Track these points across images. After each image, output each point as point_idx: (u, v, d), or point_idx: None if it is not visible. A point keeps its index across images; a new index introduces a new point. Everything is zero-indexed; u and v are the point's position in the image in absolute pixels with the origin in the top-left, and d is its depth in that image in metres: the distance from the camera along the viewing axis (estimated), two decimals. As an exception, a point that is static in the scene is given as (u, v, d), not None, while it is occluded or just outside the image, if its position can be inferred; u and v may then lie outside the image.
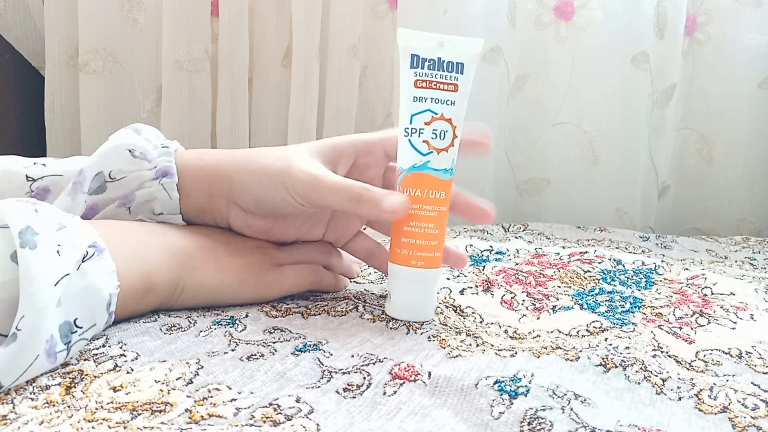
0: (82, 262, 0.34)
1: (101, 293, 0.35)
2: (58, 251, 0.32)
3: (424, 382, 0.33)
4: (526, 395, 0.32)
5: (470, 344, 0.40)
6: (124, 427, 0.28)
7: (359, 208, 0.41)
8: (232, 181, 0.44)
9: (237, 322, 0.41)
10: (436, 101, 0.42)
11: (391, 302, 0.44)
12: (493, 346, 0.40)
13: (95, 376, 0.32)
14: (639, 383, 0.35)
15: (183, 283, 0.42)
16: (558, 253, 0.65)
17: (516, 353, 0.38)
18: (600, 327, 0.44)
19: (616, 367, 0.37)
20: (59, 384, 0.31)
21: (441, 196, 0.42)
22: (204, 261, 0.43)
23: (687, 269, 0.62)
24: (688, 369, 0.38)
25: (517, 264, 0.60)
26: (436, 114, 0.42)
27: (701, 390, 0.35)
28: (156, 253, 0.40)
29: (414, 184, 0.42)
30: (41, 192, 0.44)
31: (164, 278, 0.41)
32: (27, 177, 0.44)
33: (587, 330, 0.44)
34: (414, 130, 0.42)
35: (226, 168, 0.44)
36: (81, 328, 0.33)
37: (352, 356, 0.37)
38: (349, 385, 0.33)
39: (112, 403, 0.30)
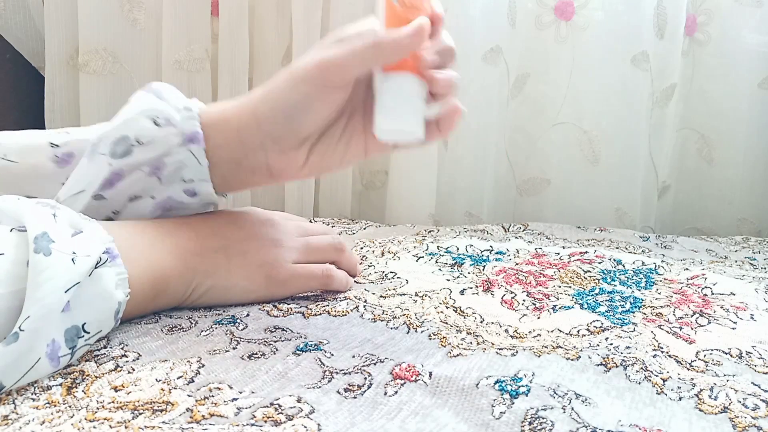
0: (95, 267, 0.34)
1: (111, 300, 0.35)
2: (73, 259, 0.32)
3: (425, 382, 0.34)
4: (527, 395, 0.32)
5: (471, 342, 0.40)
6: (126, 427, 0.28)
7: (382, 52, 0.40)
8: (257, 115, 0.43)
9: (238, 321, 0.41)
10: None
11: (379, 119, 0.41)
12: (493, 344, 0.40)
13: (96, 377, 0.32)
14: (639, 383, 0.35)
15: (194, 286, 0.42)
16: (558, 253, 0.65)
17: (517, 352, 0.38)
18: (600, 326, 0.44)
19: (617, 366, 0.37)
20: (60, 384, 0.31)
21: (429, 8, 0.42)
22: (216, 263, 0.43)
23: (687, 269, 0.62)
24: (688, 369, 0.38)
25: (517, 264, 0.60)
26: None
27: (702, 390, 0.35)
28: (168, 257, 0.40)
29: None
30: (66, 157, 0.43)
31: (175, 283, 0.41)
32: (51, 144, 0.43)
33: (588, 329, 0.44)
34: None
35: (251, 105, 0.43)
36: (88, 333, 0.34)
37: (353, 356, 0.37)
38: (350, 386, 0.33)
39: (113, 402, 0.30)
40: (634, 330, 0.44)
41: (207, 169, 0.43)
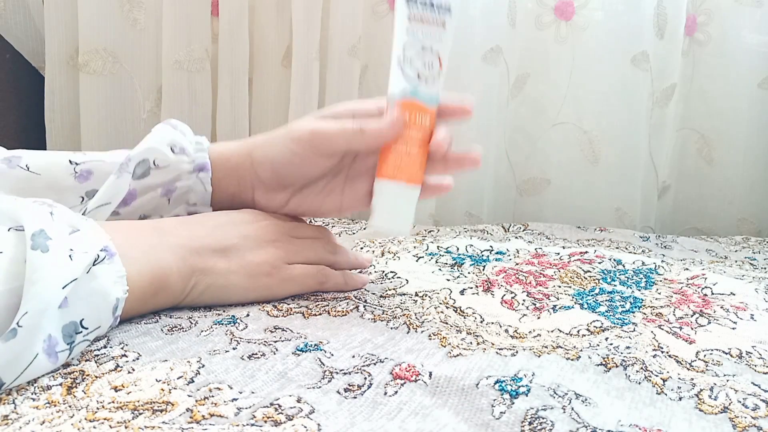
0: (93, 265, 0.34)
1: (109, 297, 0.35)
2: (70, 255, 0.32)
3: (425, 382, 0.34)
4: (527, 395, 0.32)
5: (471, 342, 0.40)
6: (126, 427, 0.28)
7: (365, 137, 0.45)
8: (252, 157, 0.49)
9: (238, 321, 0.41)
10: (427, 35, 0.46)
11: (374, 217, 0.47)
12: (493, 344, 0.40)
13: (96, 377, 0.32)
14: (639, 383, 0.35)
15: (193, 284, 0.42)
16: (558, 253, 0.65)
17: (517, 352, 0.38)
18: (600, 326, 0.44)
19: (617, 366, 0.37)
20: (60, 384, 0.31)
21: (426, 122, 0.46)
22: (215, 261, 0.43)
23: (687, 269, 0.62)
24: (688, 369, 0.38)
25: (517, 264, 0.60)
26: (426, 47, 0.46)
27: (702, 390, 0.35)
28: (167, 256, 0.41)
29: (403, 109, 0.46)
30: (84, 173, 0.46)
31: (175, 281, 0.41)
32: (70, 161, 0.46)
33: (588, 329, 0.44)
34: (406, 59, 0.46)
35: (248, 148, 0.49)
36: (86, 329, 0.34)
37: (353, 356, 0.37)
38: (350, 386, 0.33)
39: (113, 402, 0.30)
40: (634, 330, 0.44)
41: (210, 195, 0.49)
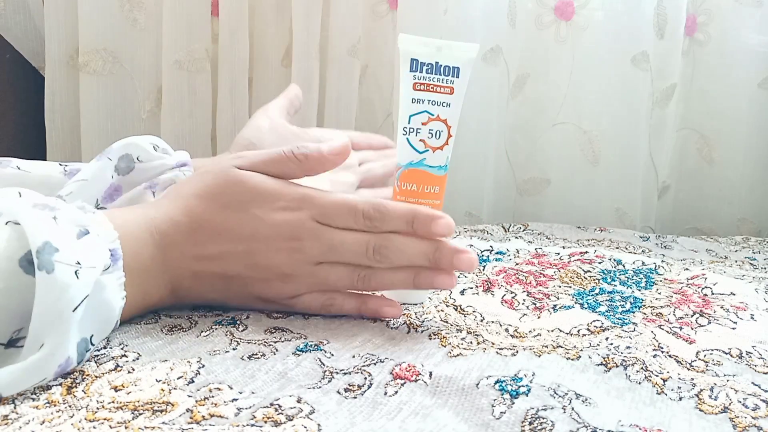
0: (100, 275, 0.34)
1: (114, 310, 0.35)
2: (76, 272, 0.31)
3: (425, 382, 0.34)
4: (527, 395, 0.32)
5: (471, 342, 0.40)
6: (126, 427, 0.28)
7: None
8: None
9: (238, 322, 0.41)
10: (433, 103, 0.44)
11: (394, 293, 0.46)
12: (494, 344, 0.40)
13: (96, 377, 0.32)
14: (640, 383, 0.35)
15: (189, 303, 0.43)
16: (558, 253, 0.65)
17: (517, 352, 0.38)
18: (600, 326, 0.44)
19: (617, 366, 0.37)
20: (60, 384, 0.31)
21: (435, 190, 0.45)
22: (213, 287, 0.42)
23: (687, 269, 0.62)
24: (688, 369, 0.38)
25: (517, 264, 0.60)
26: (433, 115, 0.44)
27: (702, 390, 0.35)
28: (162, 289, 0.40)
29: (411, 179, 0.45)
30: (74, 171, 0.48)
31: (169, 305, 0.42)
32: (60, 163, 0.49)
33: (588, 329, 0.44)
34: (411, 130, 0.45)
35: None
36: (94, 345, 0.34)
37: (353, 357, 0.37)
38: (350, 386, 0.33)
39: (113, 402, 0.30)
40: (634, 330, 0.44)
41: None
